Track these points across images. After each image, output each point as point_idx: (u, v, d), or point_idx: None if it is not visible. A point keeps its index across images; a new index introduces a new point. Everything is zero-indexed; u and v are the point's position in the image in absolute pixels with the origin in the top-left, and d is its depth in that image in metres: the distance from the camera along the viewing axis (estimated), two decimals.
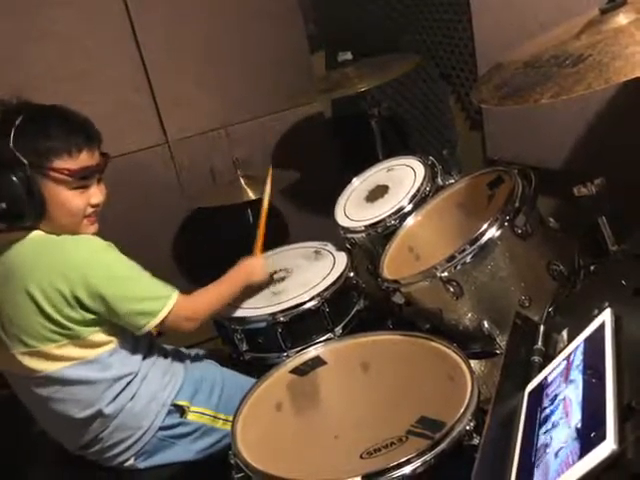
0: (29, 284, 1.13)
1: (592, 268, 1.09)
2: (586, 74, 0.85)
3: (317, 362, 1.26)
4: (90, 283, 1.14)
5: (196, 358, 1.43)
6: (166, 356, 1.34)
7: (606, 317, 0.76)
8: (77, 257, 1.15)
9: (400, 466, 0.90)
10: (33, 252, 1.16)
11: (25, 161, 1.10)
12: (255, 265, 1.47)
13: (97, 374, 1.20)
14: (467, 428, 0.94)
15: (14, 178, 1.09)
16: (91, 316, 1.16)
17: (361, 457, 0.97)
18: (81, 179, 1.17)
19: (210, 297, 1.34)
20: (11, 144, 1.09)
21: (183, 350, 1.44)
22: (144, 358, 1.27)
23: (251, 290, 1.52)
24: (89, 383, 1.19)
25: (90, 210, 1.21)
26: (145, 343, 1.29)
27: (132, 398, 1.23)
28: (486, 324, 1.23)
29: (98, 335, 1.19)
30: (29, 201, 1.11)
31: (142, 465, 1.27)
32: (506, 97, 0.92)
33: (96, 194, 1.21)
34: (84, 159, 1.16)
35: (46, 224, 1.17)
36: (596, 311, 0.79)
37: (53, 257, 1.15)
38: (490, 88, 1.00)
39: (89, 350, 1.19)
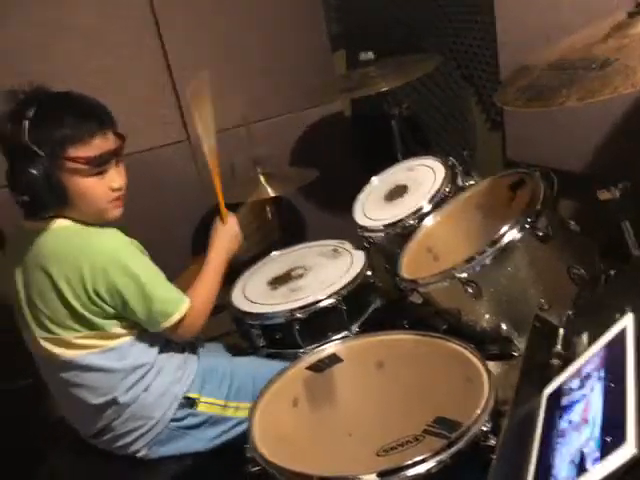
0: (54, 274, 1.15)
1: (613, 272, 1.08)
2: (613, 78, 0.85)
3: (333, 359, 1.27)
4: (110, 279, 1.15)
5: (208, 349, 1.44)
6: (182, 350, 1.35)
7: (628, 322, 0.75)
8: (101, 251, 1.17)
9: (415, 465, 0.90)
10: (59, 242, 1.17)
11: (41, 153, 1.10)
12: (226, 239, 1.41)
13: (115, 363, 1.22)
14: (484, 429, 0.94)
15: (33, 171, 1.09)
16: (110, 309, 1.19)
17: (377, 454, 0.98)
18: (98, 165, 1.16)
19: (208, 292, 1.32)
20: (26, 136, 1.09)
21: (197, 342, 1.45)
22: (161, 351, 1.29)
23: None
24: (107, 371, 1.22)
25: (113, 195, 1.21)
26: (162, 336, 1.30)
27: (146, 389, 1.26)
28: (504, 326, 1.23)
29: (118, 328, 1.22)
30: (50, 192, 1.11)
31: (154, 455, 1.29)
32: (531, 100, 0.92)
33: (115, 178, 1.20)
34: (99, 145, 1.15)
35: (71, 212, 1.19)
36: (617, 315, 0.78)
37: (78, 249, 1.16)
38: (514, 90, 1.00)
39: (109, 340, 1.21)
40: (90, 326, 1.19)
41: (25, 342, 1.28)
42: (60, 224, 1.19)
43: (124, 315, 1.21)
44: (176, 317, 1.22)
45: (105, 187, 1.19)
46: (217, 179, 1.46)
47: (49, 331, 1.19)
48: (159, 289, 1.21)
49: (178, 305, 1.22)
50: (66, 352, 1.20)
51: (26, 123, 1.10)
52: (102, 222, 1.22)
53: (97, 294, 1.16)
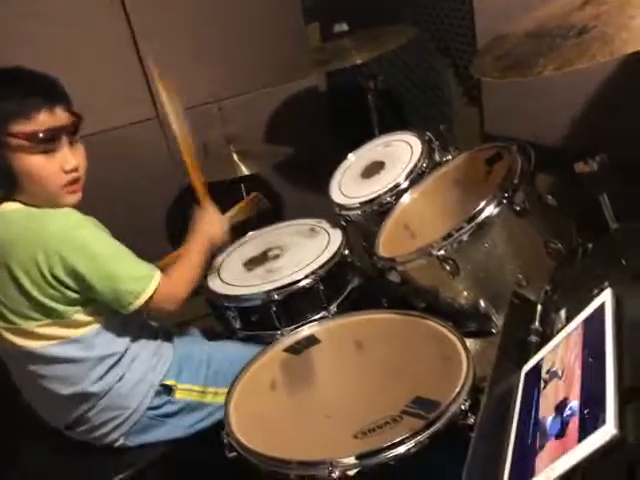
0: (9, 260, 1.09)
1: (591, 247, 1.07)
2: (590, 45, 0.82)
3: (311, 341, 1.25)
4: (67, 261, 1.09)
5: (183, 335, 1.41)
6: (156, 337, 1.32)
7: (606, 297, 0.74)
8: (53, 233, 1.10)
9: (394, 446, 0.90)
10: (10, 227, 1.11)
11: None
12: (208, 223, 1.37)
13: (81, 353, 1.18)
14: (462, 408, 0.93)
15: None
16: (72, 295, 1.13)
17: (355, 437, 0.96)
18: (44, 142, 1.09)
19: (186, 273, 1.27)
20: None
21: (171, 328, 1.42)
22: (133, 339, 1.25)
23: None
24: (73, 362, 1.17)
25: (67, 178, 1.14)
26: (135, 323, 1.27)
27: (120, 379, 1.22)
28: (482, 303, 1.22)
29: (81, 315, 1.16)
30: None
31: (132, 444, 1.27)
32: (508, 69, 0.89)
33: (68, 159, 1.12)
34: (44, 120, 1.08)
35: (22, 195, 1.12)
36: (596, 291, 0.77)
37: (31, 232, 1.10)
38: (491, 60, 0.97)
39: (73, 329, 1.17)
40: (50, 314, 1.13)
41: None
42: (9, 207, 1.13)
43: (92, 298, 1.15)
44: (147, 293, 1.16)
45: (56, 167, 1.12)
46: (192, 166, 1.41)
47: (9, 321, 1.14)
48: (123, 267, 1.15)
49: (146, 281, 1.16)
50: (29, 343, 1.15)
51: None
52: (56, 208, 1.14)
53: (56, 279, 1.10)
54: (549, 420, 0.68)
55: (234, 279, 1.54)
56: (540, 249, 1.19)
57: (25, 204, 1.14)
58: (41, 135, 1.09)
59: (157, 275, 1.19)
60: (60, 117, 1.12)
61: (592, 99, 1.50)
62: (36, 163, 1.10)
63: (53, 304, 1.12)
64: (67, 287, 1.12)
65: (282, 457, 0.94)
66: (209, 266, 1.51)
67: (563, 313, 0.88)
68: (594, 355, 0.67)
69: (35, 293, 1.11)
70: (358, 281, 1.57)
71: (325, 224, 1.67)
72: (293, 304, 1.44)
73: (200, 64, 2.11)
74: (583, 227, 1.20)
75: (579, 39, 0.84)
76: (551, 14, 1.04)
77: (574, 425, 0.62)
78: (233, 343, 1.44)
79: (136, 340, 1.26)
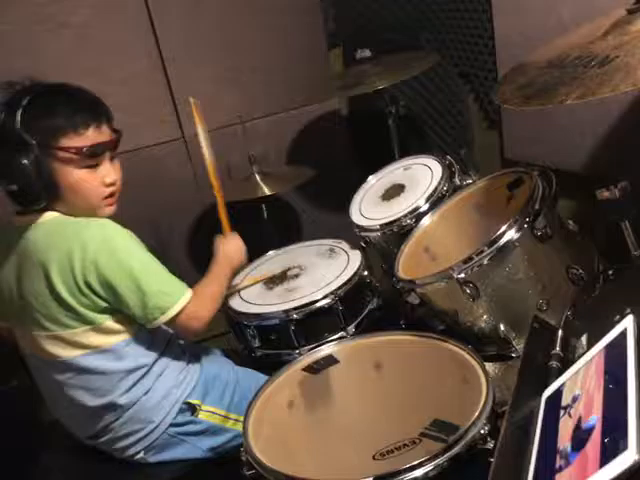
0: (48, 266, 1.12)
1: (612, 273, 1.07)
2: (613, 75, 0.83)
3: (330, 360, 1.25)
4: (100, 270, 1.12)
5: (212, 356, 1.42)
6: (183, 353, 1.33)
7: (628, 324, 0.74)
8: (91, 241, 1.13)
9: (412, 469, 0.89)
10: (49, 234, 1.15)
11: (32, 141, 1.08)
12: (232, 250, 1.39)
13: (112, 364, 1.20)
14: (481, 432, 0.92)
15: (23, 160, 1.07)
16: (102, 304, 1.16)
17: (374, 458, 0.96)
18: (90, 157, 1.14)
19: (211, 294, 1.29)
20: (18, 125, 1.08)
21: (199, 347, 1.43)
22: (161, 353, 1.27)
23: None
24: (104, 373, 1.20)
25: (106, 191, 1.19)
26: (162, 338, 1.29)
27: (146, 392, 1.24)
28: (502, 327, 1.21)
29: (111, 322, 1.18)
30: (40, 182, 1.09)
31: (152, 460, 1.28)
32: (530, 97, 0.90)
33: (109, 172, 1.18)
34: (92, 136, 1.14)
35: (62, 206, 1.17)
36: (617, 317, 0.77)
37: (67, 240, 1.13)
38: (513, 88, 0.99)
39: (106, 337, 1.19)
40: (83, 321, 1.16)
41: (19, 342, 1.26)
42: (50, 216, 1.17)
43: (119, 308, 1.17)
44: (175, 309, 1.18)
45: (98, 181, 1.17)
46: (219, 195, 1.46)
47: (44, 327, 1.17)
48: (154, 280, 1.18)
49: (176, 297, 1.18)
50: (63, 351, 1.18)
51: (19, 112, 1.09)
52: (95, 218, 1.19)
53: (88, 286, 1.13)
54: (569, 446, 0.68)
55: (253, 297, 1.56)
56: (561, 274, 1.18)
57: (64, 214, 1.18)
58: (89, 150, 1.14)
59: (187, 293, 1.21)
60: (105, 133, 1.18)
61: (613, 125, 1.50)
62: (81, 176, 1.15)
63: (83, 310, 1.15)
64: (98, 295, 1.15)
65: (299, 476, 0.93)
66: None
67: (584, 339, 0.88)
68: (615, 381, 0.67)
69: (70, 300, 1.13)
70: (376, 302, 1.58)
71: (344, 245, 1.69)
72: (312, 324, 1.45)
73: (225, 86, 2.17)
74: (605, 253, 1.20)
75: (601, 69, 0.86)
76: (572, 43, 1.06)
77: (595, 450, 0.62)
78: (258, 373, 1.42)
79: (164, 355, 1.27)
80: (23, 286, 1.17)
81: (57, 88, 1.17)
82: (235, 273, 1.43)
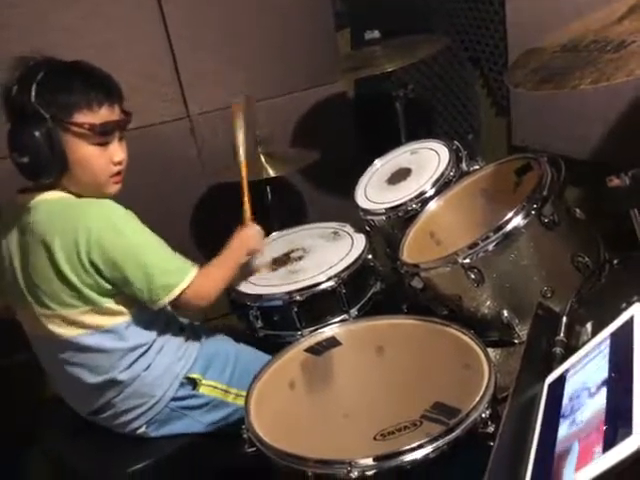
0: (51, 246, 1.13)
1: (618, 261, 1.07)
2: (628, 60, 0.82)
3: (332, 342, 1.26)
4: (105, 249, 1.13)
5: (212, 333, 1.43)
6: (182, 330, 1.34)
7: (635, 311, 0.74)
8: (94, 222, 1.14)
9: (412, 450, 0.90)
10: (54, 214, 1.15)
11: (47, 115, 1.09)
12: (250, 236, 1.41)
13: (113, 343, 1.20)
14: (482, 416, 0.93)
15: (36, 132, 1.08)
16: (106, 285, 1.16)
17: (374, 438, 0.97)
18: (102, 134, 1.16)
19: (219, 275, 1.30)
20: (33, 98, 1.09)
21: (199, 325, 1.44)
22: (161, 331, 1.27)
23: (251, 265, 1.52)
24: (105, 352, 1.20)
25: (114, 169, 1.20)
26: (163, 316, 1.29)
27: (147, 368, 1.24)
28: (505, 313, 1.21)
29: (112, 304, 1.19)
30: (51, 155, 1.10)
31: (153, 434, 1.29)
32: (543, 81, 0.89)
33: (117, 151, 1.20)
34: (105, 114, 1.15)
35: (69, 182, 1.17)
36: (624, 305, 0.77)
37: (71, 219, 1.14)
38: (526, 72, 0.97)
39: (107, 318, 1.19)
40: (86, 301, 1.16)
41: (20, 320, 1.26)
42: (55, 195, 1.17)
43: (124, 291, 1.18)
44: (180, 287, 1.18)
45: (106, 159, 1.18)
46: (246, 189, 1.51)
47: (47, 307, 1.17)
48: (159, 259, 1.19)
49: (181, 275, 1.19)
50: (64, 330, 1.18)
51: (34, 86, 1.09)
52: (99, 197, 1.19)
53: (93, 265, 1.13)
54: (572, 431, 0.68)
55: (257, 279, 1.56)
56: (567, 262, 1.18)
57: (69, 192, 1.18)
58: (101, 127, 1.15)
59: (193, 271, 1.21)
60: (117, 113, 1.19)
61: (623, 112, 1.49)
62: (91, 152, 1.16)
63: (86, 290, 1.15)
64: (102, 275, 1.15)
65: (301, 454, 0.94)
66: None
67: (589, 326, 0.88)
68: (621, 367, 0.67)
69: (74, 279, 1.14)
70: (380, 286, 1.58)
71: (349, 228, 1.68)
72: (314, 306, 1.45)
73: (232, 67, 2.14)
74: (612, 242, 1.19)
75: (617, 54, 0.84)
76: (586, 28, 1.04)
77: (599, 436, 0.62)
78: (259, 351, 1.43)
79: (163, 333, 1.28)
80: (29, 266, 1.17)
81: (73, 65, 1.18)
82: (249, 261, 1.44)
